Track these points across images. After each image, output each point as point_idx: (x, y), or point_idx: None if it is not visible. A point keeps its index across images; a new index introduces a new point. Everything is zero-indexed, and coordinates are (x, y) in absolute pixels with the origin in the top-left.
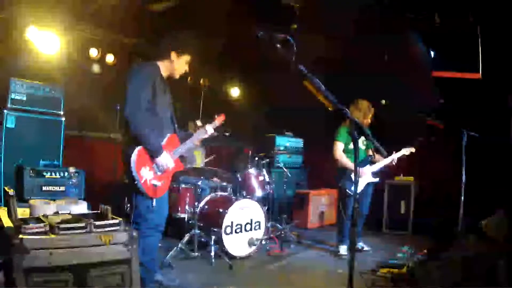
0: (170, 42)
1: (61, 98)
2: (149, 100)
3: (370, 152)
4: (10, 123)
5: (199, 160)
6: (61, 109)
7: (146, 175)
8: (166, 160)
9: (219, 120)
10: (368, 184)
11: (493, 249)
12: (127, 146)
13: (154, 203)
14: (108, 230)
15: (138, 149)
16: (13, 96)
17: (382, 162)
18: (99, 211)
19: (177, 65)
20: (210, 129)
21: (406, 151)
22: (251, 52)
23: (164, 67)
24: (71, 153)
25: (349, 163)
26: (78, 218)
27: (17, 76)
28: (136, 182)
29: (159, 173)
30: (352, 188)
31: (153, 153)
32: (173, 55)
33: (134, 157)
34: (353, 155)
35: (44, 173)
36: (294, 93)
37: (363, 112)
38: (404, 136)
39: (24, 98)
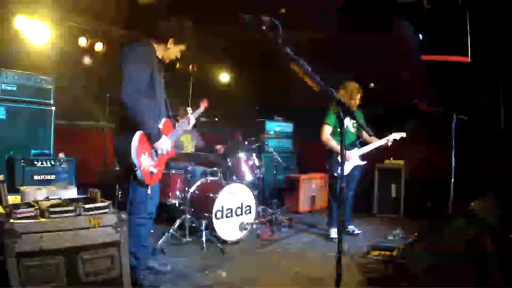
0: (170, 28)
1: (52, 88)
2: (147, 83)
3: (365, 135)
4: (0, 114)
5: (188, 145)
6: (51, 99)
7: (145, 162)
8: (166, 144)
9: (203, 105)
10: (355, 167)
11: (483, 231)
12: (123, 132)
13: (149, 191)
14: (97, 213)
15: (138, 134)
16: (3, 86)
17: (371, 145)
18: (88, 195)
19: (171, 51)
20: (192, 119)
21: (396, 135)
22: (240, 38)
23: (158, 50)
24: (61, 143)
25: (336, 146)
26: (67, 202)
27: (7, 66)
28: (135, 169)
29: (156, 159)
30: (339, 170)
31: (153, 138)
32: (171, 41)
33: (135, 142)
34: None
35: (35, 162)
36: (284, 77)
37: (349, 93)
38: (395, 121)
39: (14, 89)
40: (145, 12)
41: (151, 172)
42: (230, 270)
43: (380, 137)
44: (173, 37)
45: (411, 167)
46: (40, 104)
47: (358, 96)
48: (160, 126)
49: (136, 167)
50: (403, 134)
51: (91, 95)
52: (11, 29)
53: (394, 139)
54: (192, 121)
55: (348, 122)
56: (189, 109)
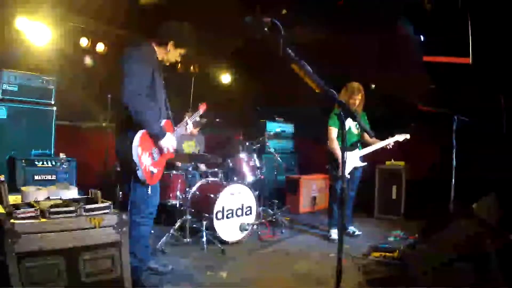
0: (170, 31)
1: (53, 88)
2: (148, 84)
3: (367, 136)
4: (1, 114)
5: (190, 149)
6: (53, 99)
7: (145, 161)
8: (170, 141)
9: (202, 108)
10: (355, 168)
11: (484, 232)
12: (124, 132)
13: (149, 191)
14: (98, 213)
15: (139, 134)
16: (4, 87)
17: (372, 147)
18: (89, 196)
19: (170, 55)
20: (190, 124)
21: (400, 137)
22: (242, 39)
23: (158, 52)
24: (62, 143)
25: (337, 147)
26: (68, 202)
27: (8, 67)
28: (137, 168)
29: (156, 159)
30: (338, 170)
31: (156, 137)
32: (170, 45)
33: (136, 142)
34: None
35: (36, 162)
36: (285, 78)
37: (349, 93)
38: (396, 122)
39: (16, 89)
40: (146, 13)
41: (152, 172)
42: (231, 270)
43: (380, 138)
44: (173, 40)
45: (412, 169)
46: (41, 105)
47: (359, 96)
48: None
49: (137, 166)
50: (407, 136)
51: (92, 95)
52: (12, 30)
53: (397, 141)
54: (190, 126)
55: (351, 123)
56: (196, 113)
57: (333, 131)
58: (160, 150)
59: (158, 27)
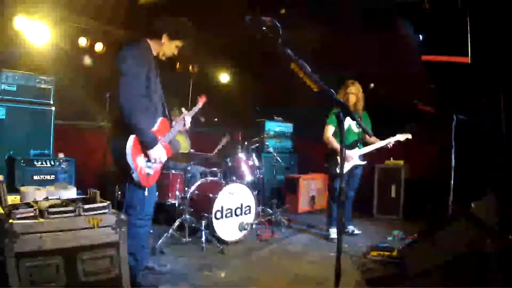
0: (164, 24)
1: (51, 88)
2: (144, 83)
3: (369, 138)
4: (0, 114)
5: (185, 145)
6: (51, 99)
7: (141, 164)
8: (160, 153)
9: (201, 101)
10: (355, 166)
11: (482, 232)
12: (119, 134)
13: (146, 193)
14: (97, 213)
15: (133, 136)
16: (3, 87)
17: (372, 146)
18: (87, 196)
19: (166, 48)
20: (188, 119)
21: (401, 137)
22: (241, 38)
23: (153, 47)
24: (61, 143)
25: (337, 146)
26: (67, 202)
27: (7, 66)
28: (131, 171)
29: (152, 161)
30: (337, 168)
31: (147, 146)
32: (165, 37)
33: (130, 144)
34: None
35: (35, 162)
36: (284, 77)
37: (343, 88)
38: (396, 121)
39: (14, 89)
40: (145, 13)
41: (148, 174)
42: (230, 270)
43: (380, 138)
44: (167, 32)
45: (411, 168)
46: (40, 104)
47: (352, 90)
48: (156, 126)
49: (131, 169)
50: (409, 136)
51: (91, 95)
52: (11, 30)
53: (398, 140)
54: (188, 121)
55: (351, 122)
56: (184, 109)
57: (329, 128)
58: (148, 159)
59: (153, 22)
